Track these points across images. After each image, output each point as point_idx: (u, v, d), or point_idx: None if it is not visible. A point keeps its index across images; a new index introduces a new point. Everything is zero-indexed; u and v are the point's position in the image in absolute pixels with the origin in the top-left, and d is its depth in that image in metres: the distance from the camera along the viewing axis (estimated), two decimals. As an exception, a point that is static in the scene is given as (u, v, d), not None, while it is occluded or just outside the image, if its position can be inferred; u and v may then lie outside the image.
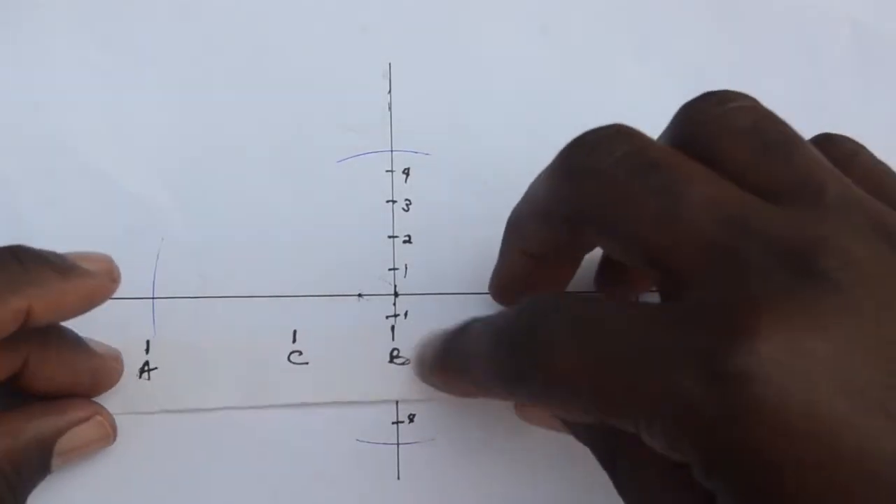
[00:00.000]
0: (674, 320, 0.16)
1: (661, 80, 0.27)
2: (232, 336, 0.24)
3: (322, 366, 0.24)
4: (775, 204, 0.16)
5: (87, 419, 0.22)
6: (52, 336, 0.21)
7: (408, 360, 0.25)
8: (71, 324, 0.21)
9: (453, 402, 0.24)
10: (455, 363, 0.22)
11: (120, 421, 0.23)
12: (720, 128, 0.18)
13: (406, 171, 0.26)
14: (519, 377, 0.18)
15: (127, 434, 0.23)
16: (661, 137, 0.19)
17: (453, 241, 0.25)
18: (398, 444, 0.24)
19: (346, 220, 0.25)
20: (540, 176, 0.20)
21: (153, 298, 0.24)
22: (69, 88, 0.25)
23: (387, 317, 0.25)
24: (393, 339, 0.25)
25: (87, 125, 0.25)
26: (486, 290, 0.25)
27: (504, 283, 0.24)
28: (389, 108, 0.26)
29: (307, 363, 0.24)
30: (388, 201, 0.25)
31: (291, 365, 0.24)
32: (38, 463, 0.21)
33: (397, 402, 0.24)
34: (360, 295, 0.25)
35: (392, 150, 0.26)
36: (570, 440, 0.21)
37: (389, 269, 0.25)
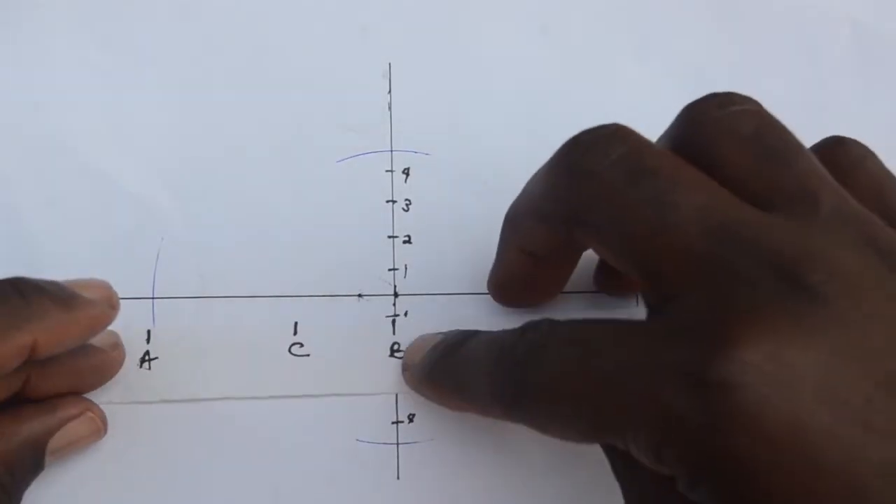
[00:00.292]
0: (658, 334, 0.16)
1: (661, 80, 0.27)
2: (233, 329, 0.24)
3: (323, 358, 0.24)
4: (768, 212, 0.16)
5: (78, 416, 0.22)
6: None
7: None
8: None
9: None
10: (450, 382, 0.22)
11: (120, 410, 0.23)
12: (720, 131, 0.18)
13: (406, 171, 0.26)
14: (517, 401, 0.18)
15: (127, 423, 0.23)
16: (662, 137, 0.19)
17: (453, 241, 0.25)
18: (398, 443, 0.24)
19: (346, 220, 0.25)
20: (537, 173, 0.20)
21: (153, 298, 0.24)
22: (69, 88, 0.25)
23: (386, 316, 0.25)
24: (394, 332, 0.25)
25: (87, 125, 0.25)
26: (487, 291, 0.25)
27: (502, 281, 0.24)
28: (389, 108, 0.26)
29: (308, 355, 0.24)
30: (387, 201, 0.25)
31: (292, 357, 0.24)
32: (31, 462, 0.21)
33: (397, 403, 0.24)
34: (360, 295, 0.25)
35: (392, 150, 0.26)
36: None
37: (389, 270, 0.25)
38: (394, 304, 0.25)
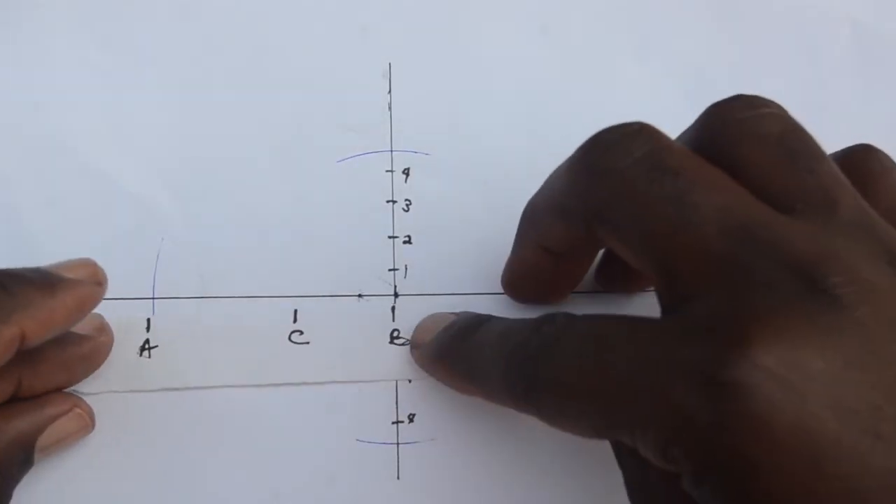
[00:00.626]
0: (673, 332, 0.16)
1: (661, 80, 0.27)
2: (233, 319, 0.24)
3: (323, 346, 0.24)
4: (788, 215, 0.16)
5: (66, 412, 0.22)
6: (39, 349, 0.21)
7: (408, 340, 0.25)
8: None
9: (453, 402, 0.24)
10: (461, 366, 0.22)
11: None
12: (743, 133, 0.18)
13: (406, 171, 0.26)
14: (529, 394, 0.18)
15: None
16: (684, 135, 0.19)
17: (453, 241, 0.25)
18: (398, 443, 0.24)
19: (346, 220, 0.25)
20: (559, 168, 0.20)
21: (153, 299, 0.24)
22: (69, 88, 0.25)
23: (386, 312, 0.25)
24: (393, 320, 0.25)
25: (87, 125, 0.25)
26: (487, 291, 0.25)
27: (517, 277, 0.24)
28: (389, 108, 0.26)
29: (308, 343, 0.24)
30: (388, 201, 0.25)
31: (292, 344, 0.24)
32: (21, 460, 0.21)
33: (397, 396, 0.24)
34: (360, 295, 0.25)
35: (392, 150, 0.26)
36: (570, 440, 0.21)
37: (389, 270, 0.25)
38: (394, 305, 0.25)
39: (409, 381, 0.24)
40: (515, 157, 0.26)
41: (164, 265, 0.24)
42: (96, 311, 0.21)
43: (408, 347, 0.24)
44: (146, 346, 0.24)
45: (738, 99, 0.18)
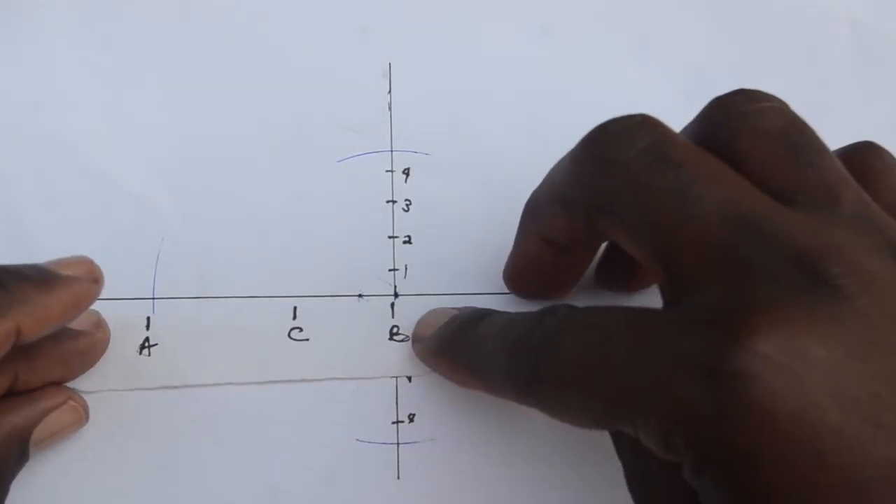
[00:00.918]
0: (676, 323, 0.16)
1: (661, 80, 0.27)
2: (233, 317, 0.24)
3: (322, 342, 0.24)
4: (789, 207, 0.16)
5: (60, 405, 0.22)
6: (36, 345, 0.21)
7: (407, 337, 0.25)
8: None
9: (453, 402, 0.24)
10: (463, 359, 0.22)
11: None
12: (746, 126, 0.18)
13: (406, 171, 0.26)
14: (531, 386, 0.18)
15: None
16: (687, 128, 0.19)
17: (453, 241, 0.25)
18: (398, 443, 0.24)
19: (346, 220, 0.25)
20: (562, 160, 0.20)
21: (153, 299, 0.24)
22: (69, 88, 0.25)
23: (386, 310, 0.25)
24: (393, 316, 0.25)
25: (87, 125, 0.25)
26: (487, 291, 0.25)
27: (519, 271, 0.24)
28: (389, 108, 0.26)
29: (307, 339, 0.24)
30: (388, 201, 0.25)
31: (292, 341, 0.24)
32: (17, 454, 0.21)
33: (397, 394, 0.24)
34: (360, 295, 0.25)
35: (392, 150, 0.26)
36: (571, 439, 0.21)
37: (389, 270, 0.25)
38: (393, 305, 0.25)
39: (410, 379, 0.24)
40: (515, 157, 0.26)
41: (164, 265, 0.24)
42: (93, 307, 0.21)
43: (408, 344, 0.24)
44: (146, 345, 0.24)
45: (741, 93, 0.18)
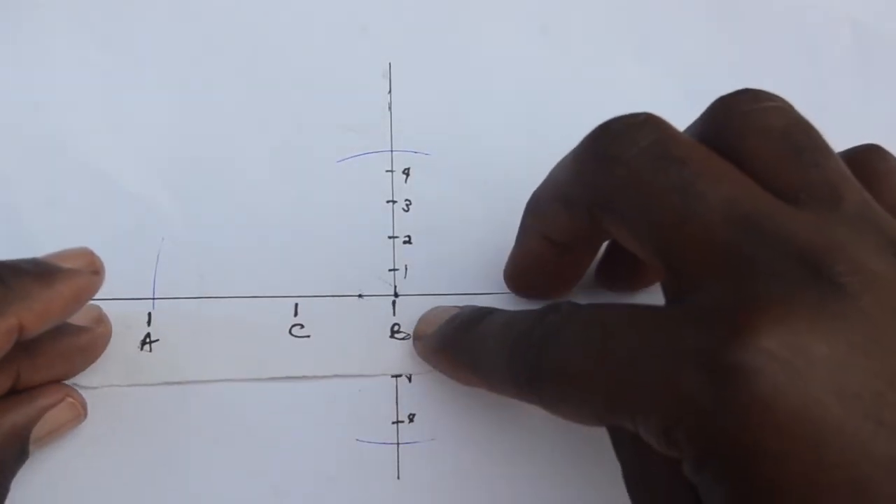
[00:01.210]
0: (678, 319, 0.16)
1: (661, 80, 0.27)
2: (233, 316, 0.24)
3: (323, 339, 0.24)
4: (792, 205, 0.16)
5: (58, 403, 0.22)
6: (37, 341, 0.21)
7: (408, 335, 0.25)
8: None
9: (453, 402, 0.24)
10: (464, 357, 0.22)
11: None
12: (750, 125, 0.18)
13: (406, 171, 0.26)
14: (532, 383, 0.18)
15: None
16: (690, 127, 0.19)
17: (453, 241, 0.25)
18: (398, 443, 0.24)
19: (346, 220, 0.25)
20: (563, 159, 0.20)
21: (153, 299, 0.24)
22: (69, 88, 0.25)
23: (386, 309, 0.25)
24: (394, 314, 0.25)
25: (87, 125, 0.25)
26: (487, 291, 0.25)
27: (520, 269, 0.24)
28: (389, 108, 0.26)
29: (308, 336, 0.24)
30: (388, 201, 0.25)
31: (293, 338, 0.24)
32: (16, 452, 0.21)
33: (397, 392, 0.24)
34: (360, 295, 0.25)
35: (392, 150, 0.26)
36: (571, 439, 0.21)
37: (389, 270, 0.25)
38: (393, 305, 0.25)
39: (410, 379, 0.24)
40: (515, 157, 0.26)
41: (164, 265, 0.24)
42: (94, 302, 0.21)
43: (408, 342, 0.25)
44: (147, 340, 0.24)
45: (745, 92, 0.18)
